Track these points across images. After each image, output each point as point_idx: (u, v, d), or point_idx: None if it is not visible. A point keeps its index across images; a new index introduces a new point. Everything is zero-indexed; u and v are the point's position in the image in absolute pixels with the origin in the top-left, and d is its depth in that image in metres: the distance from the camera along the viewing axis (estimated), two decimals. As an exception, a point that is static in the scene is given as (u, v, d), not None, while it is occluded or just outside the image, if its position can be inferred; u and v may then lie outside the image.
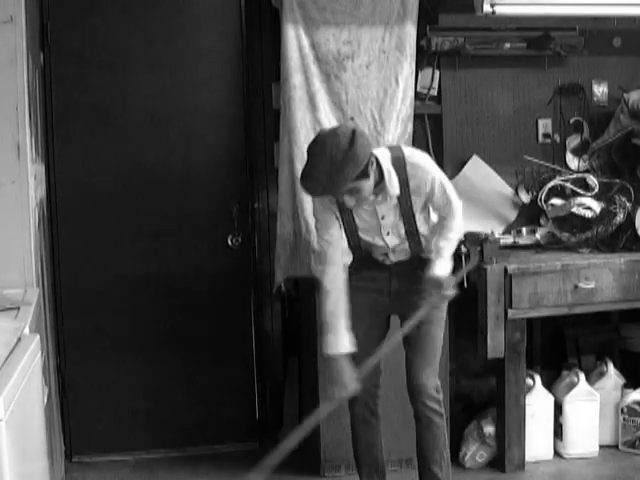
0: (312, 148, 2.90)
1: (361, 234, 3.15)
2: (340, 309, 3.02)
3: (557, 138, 4.34)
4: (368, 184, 2.92)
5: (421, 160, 3.10)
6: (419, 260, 3.21)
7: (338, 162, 2.79)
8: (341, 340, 3.01)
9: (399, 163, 3.04)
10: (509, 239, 4.12)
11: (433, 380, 3.25)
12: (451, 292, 3.13)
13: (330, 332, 3.01)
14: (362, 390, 3.21)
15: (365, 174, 2.87)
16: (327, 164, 2.80)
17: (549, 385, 4.14)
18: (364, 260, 3.22)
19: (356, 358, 3.22)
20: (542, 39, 4.18)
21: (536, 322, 4.24)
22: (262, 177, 4.27)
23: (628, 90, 4.23)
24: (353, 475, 3.68)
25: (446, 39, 4.07)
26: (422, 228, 3.18)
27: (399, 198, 3.06)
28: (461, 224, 3.24)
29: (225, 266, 4.22)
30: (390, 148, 3.16)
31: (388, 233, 3.14)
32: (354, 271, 3.20)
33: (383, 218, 3.11)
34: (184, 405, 4.22)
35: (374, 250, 3.21)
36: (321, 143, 2.87)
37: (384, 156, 3.03)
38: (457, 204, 3.20)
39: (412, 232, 3.15)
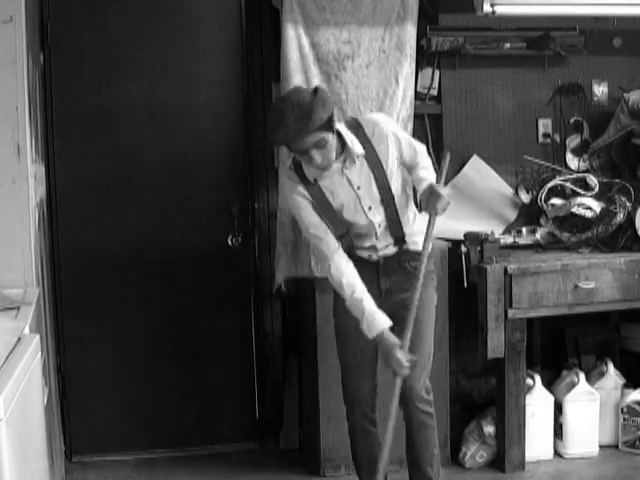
0: (277, 103, 2.96)
1: (345, 216, 3.06)
2: (359, 291, 2.99)
3: (557, 138, 4.34)
4: (333, 139, 2.91)
5: (374, 115, 3.18)
6: (407, 253, 3.15)
7: (306, 105, 2.81)
8: (378, 318, 2.98)
9: (354, 123, 3.08)
10: (509, 239, 4.12)
11: (424, 381, 3.19)
12: (447, 193, 3.02)
13: (363, 316, 2.98)
14: (361, 402, 3.21)
15: (330, 126, 2.87)
16: (295, 109, 2.81)
17: (549, 385, 4.14)
18: (356, 262, 3.13)
19: (352, 364, 3.17)
20: (542, 39, 4.18)
21: (536, 322, 4.24)
22: (262, 177, 4.26)
23: (628, 90, 4.23)
24: (353, 475, 3.67)
25: (446, 39, 4.07)
26: (396, 193, 3.12)
27: (367, 160, 3.04)
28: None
29: (225, 266, 4.22)
30: (344, 120, 3.20)
31: (370, 208, 3.07)
32: None
33: (359, 188, 3.05)
34: (184, 405, 4.22)
35: (361, 240, 3.12)
36: (285, 97, 2.96)
37: (340, 125, 3.04)
38: (421, 146, 3.20)
39: (387, 199, 3.08)
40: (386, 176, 3.07)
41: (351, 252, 3.12)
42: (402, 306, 3.09)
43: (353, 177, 3.04)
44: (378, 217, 3.09)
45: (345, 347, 3.23)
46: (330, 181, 3.03)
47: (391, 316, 3.14)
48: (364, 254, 3.15)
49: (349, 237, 3.12)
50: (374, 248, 3.14)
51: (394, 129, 3.13)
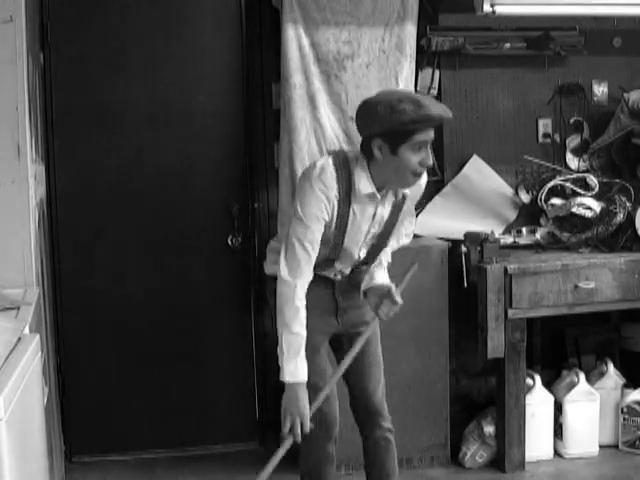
0: (400, 94, 2.81)
1: (345, 242, 2.87)
2: (304, 331, 2.75)
3: (557, 138, 4.34)
4: None
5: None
6: (359, 273, 3.02)
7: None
8: (303, 366, 2.77)
9: None
10: (509, 239, 4.13)
11: (384, 399, 3.09)
12: (400, 300, 2.92)
13: (297, 356, 2.74)
14: (334, 425, 3.02)
15: None
16: (429, 99, 2.82)
17: (549, 385, 4.14)
18: (314, 278, 2.89)
19: (323, 382, 2.96)
20: (542, 39, 4.18)
21: (536, 322, 4.24)
22: (262, 177, 4.27)
23: (628, 90, 4.23)
24: (353, 475, 3.69)
25: (446, 39, 4.07)
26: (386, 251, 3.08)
27: (394, 205, 2.91)
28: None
29: (225, 266, 4.22)
30: None
31: (366, 245, 2.94)
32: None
33: (373, 226, 2.89)
34: (184, 405, 4.22)
35: (338, 263, 2.95)
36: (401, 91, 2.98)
37: None
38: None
39: (379, 248, 2.98)
40: (393, 230, 2.97)
41: (320, 271, 2.94)
42: (352, 325, 3.02)
43: (378, 212, 2.87)
44: (364, 254, 2.97)
45: (315, 365, 2.93)
46: (361, 207, 2.83)
47: (343, 334, 3.04)
48: (330, 274, 2.98)
49: (330, 259, 2.96)
50: (340, 272, 2.99)
51: (416, 196, 3.07)
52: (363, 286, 3.05)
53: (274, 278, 2.92)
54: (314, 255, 2.78)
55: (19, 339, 2.52)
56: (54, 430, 3.54)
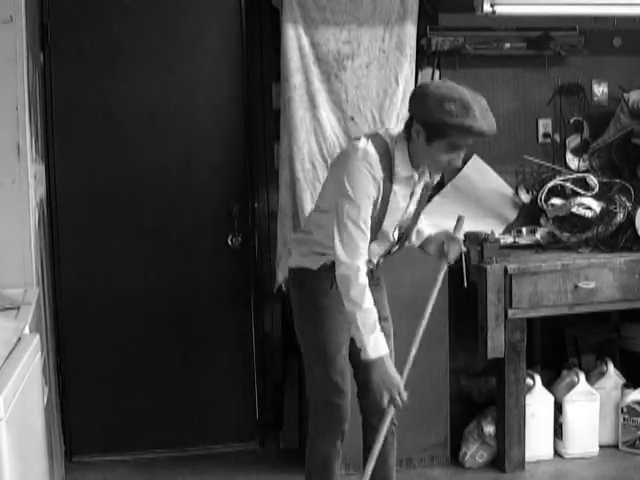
0: (474, 96, 2.80)
1: (385, 224, 2.92)
2: (373, 305, 2.80)
3: (557, 138, 4.35)
4: None
5: None
6: (380, 270, 3.11)
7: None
8: (382, 339, 2.81)
9: None
10: (509, 239, 4.13)
11: None
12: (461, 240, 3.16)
13: (373, 333, 2.77)
14: (346, 419, 3.03)
15: None
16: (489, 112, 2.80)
17: (549, 385, 4.14)
18: None
19: (344, 371, 3.01)
20: (542, 39, 4.18)
21: (536, 322, 4.24)
22: (262, 177, 4.27)
23: (628, 90, 4.23)
24: (354, 475, 3.68)
25: (446, 39, 4.08)
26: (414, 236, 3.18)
27: (425, 185, 3.01)
28: None
29: (225, 266, 4.22)
30: None
31: (399, 225, 3.01)
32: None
33: (411, 205, 2.99)
34: (184, 405, 4.22)
35: (374, 245, 2.98)
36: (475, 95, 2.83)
37: None
38: None
39: (410, 229, 3.08)
40: (423, 208, 3.07)
41: None
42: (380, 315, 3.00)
43: (416, 191, 2.98)
44: (396, 236, 3.04)
45: (337, 365, 2.99)
46: (401, 187, 2.90)
47: None
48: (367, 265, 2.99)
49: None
50: (370, 261, 2.99)
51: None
52: (416, 242, 3.21)
53: (299, 270, 3.02)
54: (368, 233, 2.82)
55: (19, 339, 2.52)
56: (54, 430, 3.54)
